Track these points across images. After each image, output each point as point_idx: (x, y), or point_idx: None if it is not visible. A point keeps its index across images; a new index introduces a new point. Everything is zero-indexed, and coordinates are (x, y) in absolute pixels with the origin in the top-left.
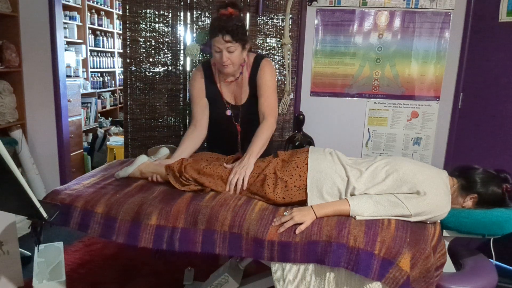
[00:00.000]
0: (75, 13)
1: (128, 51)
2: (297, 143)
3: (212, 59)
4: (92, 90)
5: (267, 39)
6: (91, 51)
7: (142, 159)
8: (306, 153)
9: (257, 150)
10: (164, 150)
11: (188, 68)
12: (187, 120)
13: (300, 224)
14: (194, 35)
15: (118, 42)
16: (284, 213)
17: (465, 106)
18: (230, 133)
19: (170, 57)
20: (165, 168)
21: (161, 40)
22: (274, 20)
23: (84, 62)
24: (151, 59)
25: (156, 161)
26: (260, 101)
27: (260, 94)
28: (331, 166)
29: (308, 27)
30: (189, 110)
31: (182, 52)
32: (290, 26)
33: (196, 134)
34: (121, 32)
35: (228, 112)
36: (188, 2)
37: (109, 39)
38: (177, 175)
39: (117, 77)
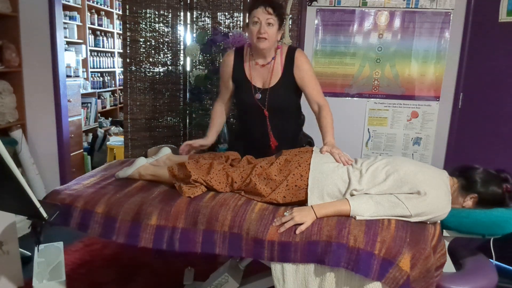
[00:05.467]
0: (75, 13)
1: (128, 51)
2: None
3: (246, 43)
4: (92, 90)
5: None
6: (91, 51)
7: (141, 161)
8: (310, 153)
9: (331, 129)
10: (166, 150)
11: (188, 68)
12: (187, 120)
13: (301, 224)
14: (194, 35)
15: (118, 42)
16: (285, 213)
17: (465, 106)
18: (258, 119)
19: (170, 57)
20: (169, 175)
21: (161, 40)
22: None
23: (84, 62)
24: (151, 59)
25: (154, 162)
26: (308, 92)
27: (304, 85)
28: (333, 167)
29: (308, 27)
30: (189, 110)
31: (182, 52)
32: (290, 26)
33: (224, 110)
34: (121, 32)
35: (258, 96)
36: (188, 2)
37: (109, 39)
38: (186, 180)
39: (117, 77)
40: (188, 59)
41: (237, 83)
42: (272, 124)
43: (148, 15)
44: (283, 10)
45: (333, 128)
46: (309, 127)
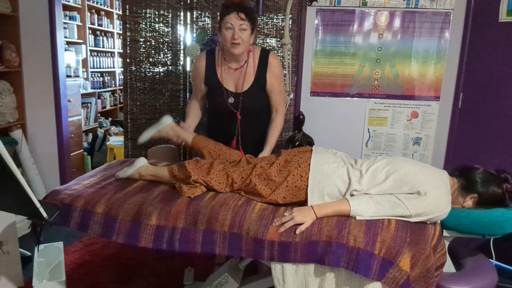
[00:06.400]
0: (75, 13)
1: (128, 51)
2: (297, 143)
3: (218, 46)
4: (92, 90)
5: (267, 39)
6: (91, 51)
7: (141, 161)
8: (309, 153)
9: (274, 142)
10: (166, 120)
11: (188, 68)
12: None
13: (301, 224)
14: (194, 35)
15: (118, 42)
16: (285, 214)
17: (465, 106)
18: (229, 121)
19: (170, 57)
20: (169, 175)
21: (161, 40)
22: (274, 20)
23: (84, 62)
24: (151, 59)
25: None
26: (273, 97)
27: (273, 91)
28: (333, 167)
29: (308, 27)
30: None
31: (182, 52)
32: (290, 26)
33: (199, 104)
34: (121, 32)
35: (231, 100)
36: (188, 2)
37: (109, 39)
38: (186, 181)
39: (117, 77)
40: (188, 59)
41: (210, 87)
42: (243, 128)
43: (148, 15)
44: (255, 15)
45: (275, 140)
46: (309, 127)
